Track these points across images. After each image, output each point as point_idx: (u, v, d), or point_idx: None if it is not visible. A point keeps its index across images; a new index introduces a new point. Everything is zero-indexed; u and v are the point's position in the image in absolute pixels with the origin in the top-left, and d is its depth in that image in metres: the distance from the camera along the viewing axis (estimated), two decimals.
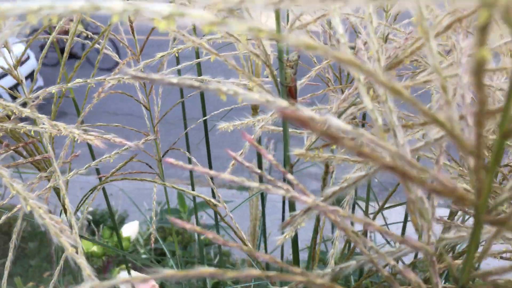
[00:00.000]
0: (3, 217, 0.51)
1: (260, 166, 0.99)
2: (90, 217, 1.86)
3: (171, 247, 1.60)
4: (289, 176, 0.31)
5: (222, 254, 1.83)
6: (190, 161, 0.83)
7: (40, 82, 4.43)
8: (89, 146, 0.79)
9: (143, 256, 1.56)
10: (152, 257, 1.51)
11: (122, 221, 2.10)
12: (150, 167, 0.70)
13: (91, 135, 0.42)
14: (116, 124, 0.73)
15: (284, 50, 0.46)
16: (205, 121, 0.84)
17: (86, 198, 0.60)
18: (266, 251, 1.09)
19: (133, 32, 0.71)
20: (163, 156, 0.76)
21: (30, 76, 4.27)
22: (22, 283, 1.11)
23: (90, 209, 2.00)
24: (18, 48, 3.32)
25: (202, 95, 0.83)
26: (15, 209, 0.52)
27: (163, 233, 1.85)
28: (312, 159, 0.39)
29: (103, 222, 1.92)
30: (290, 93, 0.46)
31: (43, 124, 0.43)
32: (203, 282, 1.17)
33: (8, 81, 3.77)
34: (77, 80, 0.48)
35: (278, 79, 0.46)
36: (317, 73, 0.72)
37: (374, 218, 0.63)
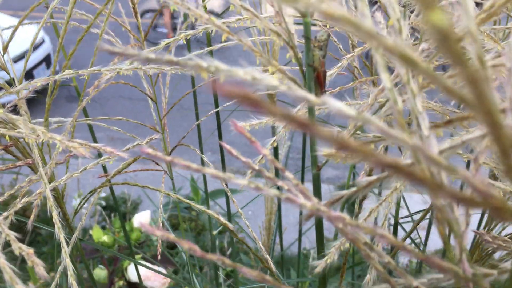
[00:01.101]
0: (19, 204, 0.48)
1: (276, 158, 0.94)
2: (103, 203, 1.84)
3: (186, 235, 1.58)
4: (288, 174, 0.27)
5: (236, 242, 1.81)
6: (202, 161, 0.79)
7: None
8: (94, 139, 0.76)
9: (155, 244, 1.54)
10: (164, 247, 1.49)
11: (136, 207, 2.09)
12: (157, 163, 0.67)
13: (76, 142, 0.38)
14: (120, 118, 0.69)
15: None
16: (217, 113, 0.81)
17: (87, 199, 0.56)
18: (281, 247, 1.06)
19: (136, 14, 0.67)
20: (171, 152, 0.73)
21: (46, 60, 4.28)
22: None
23: (103, 194, 1.99)
24: (32, 31, 3.29)
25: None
26: (32, 196, 0.48)
27: (177, 220, 1.82)
28: (344, 161, 0.33)
29: (117, 209, 1.90)
30: (318, 79, 0.39)
31: (20, 128, 0.38)
32: (215, 272, 1.15)
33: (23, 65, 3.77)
34: (66, 71, 0.44)
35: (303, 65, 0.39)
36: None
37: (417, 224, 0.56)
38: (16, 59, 3.45)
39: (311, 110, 0.35)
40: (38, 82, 0.42)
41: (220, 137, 0.86)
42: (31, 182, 0.47)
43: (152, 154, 0.23)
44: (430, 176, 0.16)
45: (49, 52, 4.38)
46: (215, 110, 0.78)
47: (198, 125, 0.84)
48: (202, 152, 0.95)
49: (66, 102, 3.83)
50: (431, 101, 0.41)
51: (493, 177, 0.48)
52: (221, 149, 0.86)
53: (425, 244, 0.85)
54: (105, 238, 1.11)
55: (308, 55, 0.37)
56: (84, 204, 0.56)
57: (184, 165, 0.23)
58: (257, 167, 0.28)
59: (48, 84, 0.48)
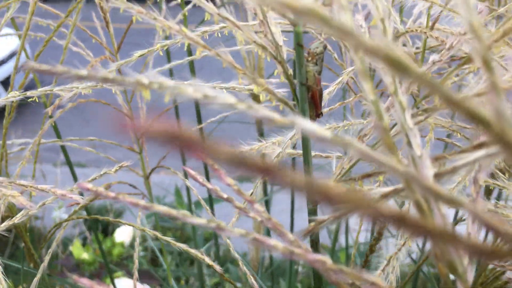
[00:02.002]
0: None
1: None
2: (84, 213, 1.79)
3: (169, 246, 1.54)
4: (258, 207, 0.23)
5: (224, 250, 1.76)
6: (185, 174, 0.75)
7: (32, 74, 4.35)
8: (66, 154, 0.72)
9: (141, 253, 1.49)
10: (147, 262, 1.45)
11: (120, 215, 2.03)
12: (134, 187, 0.62)
13: (20, 184, 0.33)
14: (92, 138, 0.65)
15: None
16: (200, 130, 0.77)
17: (52, 233, 0.52)
18: (271, 262, 1.02)
19: (107, 24, 0.63)
20: (150, 174, 0.69)
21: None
22: (14, 284, 1.05)
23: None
24: (13, 41, 3.25)
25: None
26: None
27: (162, 229, 1.78)
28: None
29: (94, 230, 1.84)
30: (313, 100, 0.34)
31: None
32: (201, 284, 1.11)
33: (0, 73, 3.69)
34: (11, 94, 0.39)
35: (295, 81, 0.33)
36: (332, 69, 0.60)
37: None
38: None
39: (305, 146, 0.31)
40: None
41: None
42: None
43: (93, 190, 0.20)
44: (443, 229, 0.13)
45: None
46: (199, 127, 0.74)
47: None
48: (184, 165, 0.91)
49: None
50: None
51: (488, 192, 0.44)
52: (207, 171, 0.82)
53: (422, 250, 0.82)
54: (85, 256, 1.07)
55: (301, 71, 0.31)
56: (53, 233, 0.52)
57: (130, 202, 0.19)
58: (225, 196, 0.25)
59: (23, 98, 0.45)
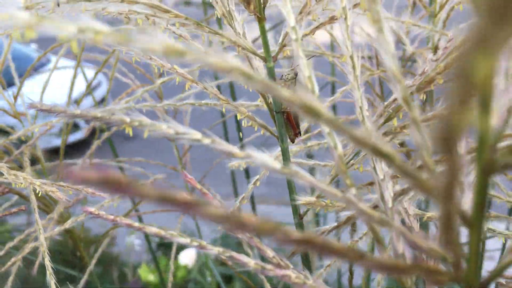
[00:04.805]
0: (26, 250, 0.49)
1: None
2: (156, 239, 1.86)
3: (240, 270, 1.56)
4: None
5: None
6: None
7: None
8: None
9: (208, 278, 1.53)
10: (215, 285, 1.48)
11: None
12: None
13: (58, 185, 0.39)
14: (139, 159, 0.70)
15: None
16: (242, 145, 0.81)
17: (99, 245, 0.56)
18: None
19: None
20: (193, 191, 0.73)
21: (102, 102, 4.36)
22: None
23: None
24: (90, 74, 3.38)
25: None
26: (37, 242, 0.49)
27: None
28: (325, 209, 0.32)
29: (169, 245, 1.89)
30: (289, 122, 0.37)
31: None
32: None
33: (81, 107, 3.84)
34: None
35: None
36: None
37: None
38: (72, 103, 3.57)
39: (284, 153, 0.34)
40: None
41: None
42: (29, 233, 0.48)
43: (95, 213, 0.23)
44: (348, 248, 0.14)
45: (104, 95, 4.49)
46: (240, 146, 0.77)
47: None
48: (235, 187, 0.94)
49: (124, 140, 3.92)
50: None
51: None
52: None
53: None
54: (151, 277, 1.12)
55: (275, 101, 0.35)
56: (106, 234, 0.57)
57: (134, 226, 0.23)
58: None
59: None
